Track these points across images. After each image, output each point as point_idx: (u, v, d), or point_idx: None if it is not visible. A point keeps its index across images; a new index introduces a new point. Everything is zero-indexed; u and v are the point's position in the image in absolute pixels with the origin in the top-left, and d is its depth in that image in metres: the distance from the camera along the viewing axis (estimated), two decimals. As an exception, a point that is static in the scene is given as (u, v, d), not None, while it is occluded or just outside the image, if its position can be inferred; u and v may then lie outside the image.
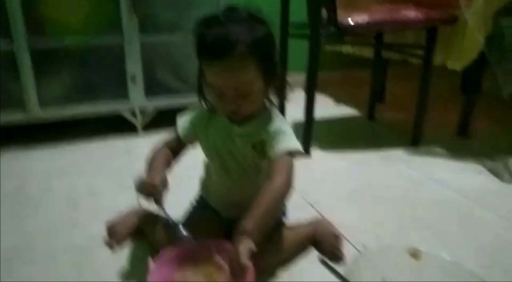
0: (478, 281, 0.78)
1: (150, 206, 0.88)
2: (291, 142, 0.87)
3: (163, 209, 0.86)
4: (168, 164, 0.95)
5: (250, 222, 0.78)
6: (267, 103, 0.92)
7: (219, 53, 0.78)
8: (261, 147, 0.89)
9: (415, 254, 0.84)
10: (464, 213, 1.18)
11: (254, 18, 0.83)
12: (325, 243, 0.97)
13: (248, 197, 0.95)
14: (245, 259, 0.73)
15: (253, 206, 0.80)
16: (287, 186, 0.84)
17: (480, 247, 1.02)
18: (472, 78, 1.73)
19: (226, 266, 0.84)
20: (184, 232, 0.88)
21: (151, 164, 0.93)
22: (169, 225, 0.94)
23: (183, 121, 0.98)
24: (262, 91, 0.87)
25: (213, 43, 0.79)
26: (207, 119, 0.95)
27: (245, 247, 0.75)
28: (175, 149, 0.99)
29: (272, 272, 0.89)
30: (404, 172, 1.45)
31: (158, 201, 0.85)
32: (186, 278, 0.83)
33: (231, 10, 0.84)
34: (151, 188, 0.84)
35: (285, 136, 0.88)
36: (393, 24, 1.50)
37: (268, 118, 0.90)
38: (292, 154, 0.87)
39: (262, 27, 0.83)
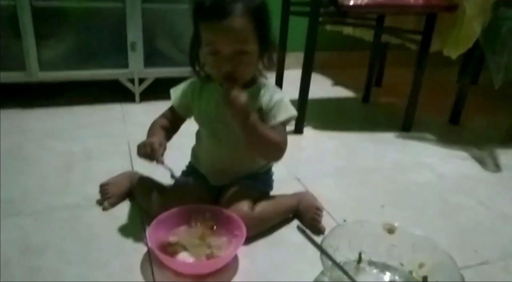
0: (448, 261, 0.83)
1: (149, 166, 0.92)
2: (289, 110, 0.95)
3: (163, 163, 0.90)
4: (165, 130, 1.00)
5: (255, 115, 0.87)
6: (260, 76, 0.96)
7: (219, 12, 0.82)
8: (258, 114, 0.93)
9: (390, 229, 0.89)
10: (444, 196, 1.22)
11: None
12: (307, 214, 1.01)
13: (237, 164, 1.01)
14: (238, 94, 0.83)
15: None
16: (283, 145, 0.92)
17: (455, 229, 1.06)
18: (469, 69, 1.75)
19: (220, 229, 0.90)
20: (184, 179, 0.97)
21: (149, 132, 0.99)
22: (162, 189, 1.00)
23: (176, 92, 1.02)
24: (256, 57, 0.91)
25: (214, 4, 0.83)
26: (199, 88, 0.99)
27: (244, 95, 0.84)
28: (172, 120, 1.03)
29: (254, 238, 0.94)
30: (391, 155, 1.49)
31: (157, 158, 0.89)
32: (180, 239, 0.87)
33: None
34: (149, 147, 0.89)
35: (283, 104, 0.95)
36: (393, 7, 1.51)
37: (264, 87, 0.96)
38: (288, 121, 0.96)
39: None
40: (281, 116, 0.94)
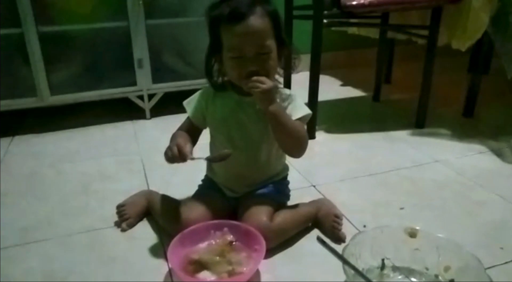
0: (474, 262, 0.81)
1: (164, 182, 0.91)
2: (304, 109, 0.98)
3: (193, 159, 0.89)
4: (187, 138, 0.98)
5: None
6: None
7: (241, 15, 0.86)
8: None
9: (412, 233, 0.87)
10: (464, 193, 1.20)
11: None
12: (326, 223, 1.00)
13: (253, 169, 1.02)
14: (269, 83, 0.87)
15: None
16: (306, 136, 0.97)
17: (479, 227, 1.04)
18: (480, 59, 1.72)
19: (239, 244, 0.90)
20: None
21: (171, 140, 0.97)
22: (180, 205, 1.01)
23: (190, 104, 1.03)
24: (276, 58, 0.93)
25: (234, 10, 0.87)
26: (213, 95, 1.01)
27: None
28: (190, 132, 1.02)
29: (274, 251, 0.93)
30: (407, 153, 1.47)
31: (186, 155, 0.87)
32: (200, 257, 0.87)
33: None
34: (176, 147, 0.88)
35: (297, 104, 0.98)
36: (397, 4, 1.49)
37: (278, 91, 0.98)
38: (305, 119, 0.98)
39: (271, 3, 0.92)
40: (298, 114, 0.96)
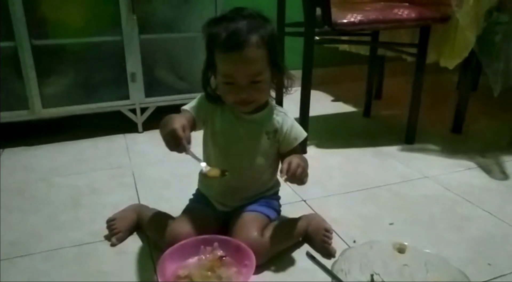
0: (461, 278, 0.82)
1: (154, 197, 0.91)
2: (302, 131, 1.03)
3: (192, 154, 0.87)
4: (186, 124, 0.87)
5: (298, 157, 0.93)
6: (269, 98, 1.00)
7: (236, 44, 0.86)
8: (274, 135, 0.99)
9: (401, 249, 0.88)
10: (453, 208, 1.22)
11: (260, 16, 0.92)
12: (317, 237, 1.01)
13: (247, 183, 1.02)
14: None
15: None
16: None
17: (467, 242, 1.05)
18: (468, 76, 1.76)
19: (229, 260, 0.90)
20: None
21: (165, 122, 0.90)
22: (170, 219, 1.01)
23: (192, 104, 1.00)
24: (269, 83, 0.95)
25: (230, 36, 0.86)
26: (212, 107, 1.00)
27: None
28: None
29: (264, 266, 0.93)
30: (397, 168, 1.49)
31: (184, 147, 0.84)
32: (190, 272, 0.86)
33: (238, 9, 0.92)
34: (172, 136, 0.83)
35: (295, 126, 1.01)
36: (386, 23, 1.52)
37: (274, 110, 1.00)
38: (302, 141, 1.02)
39: (269, 24, 0.92)
40: (300, 138, 1.01)
